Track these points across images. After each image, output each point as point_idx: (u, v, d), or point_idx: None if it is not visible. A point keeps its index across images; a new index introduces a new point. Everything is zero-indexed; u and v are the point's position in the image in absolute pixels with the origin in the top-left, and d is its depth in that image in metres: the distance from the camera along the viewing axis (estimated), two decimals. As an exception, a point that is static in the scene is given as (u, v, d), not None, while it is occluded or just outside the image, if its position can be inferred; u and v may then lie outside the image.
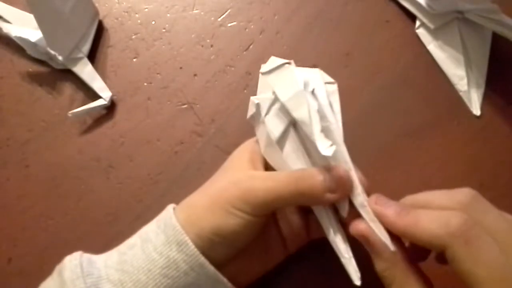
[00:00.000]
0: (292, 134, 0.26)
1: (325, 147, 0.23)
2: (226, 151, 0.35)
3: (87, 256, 0.25)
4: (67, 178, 0.35)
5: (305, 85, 0.25)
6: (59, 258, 0.33)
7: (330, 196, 0.24)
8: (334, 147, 0.23)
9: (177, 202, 0.34)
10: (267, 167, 0.27)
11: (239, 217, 0.24)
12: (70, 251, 0.33)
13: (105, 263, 0.25)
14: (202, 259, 0.23)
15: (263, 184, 0.24)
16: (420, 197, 0.23)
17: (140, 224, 0.33)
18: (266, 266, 0.29)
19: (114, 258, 0.25)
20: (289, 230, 0.28)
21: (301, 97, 0.24)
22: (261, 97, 0.26)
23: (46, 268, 0.33)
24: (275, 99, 0.26)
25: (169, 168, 0.35)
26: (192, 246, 0.23)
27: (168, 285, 0.23)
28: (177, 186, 0.35)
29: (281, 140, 0.26)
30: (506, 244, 0.19)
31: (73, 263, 0.24)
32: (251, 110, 0.27)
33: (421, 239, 0.21)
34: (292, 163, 0.25)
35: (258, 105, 0.26)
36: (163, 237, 0.24)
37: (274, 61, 0.27)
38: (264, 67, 0.27)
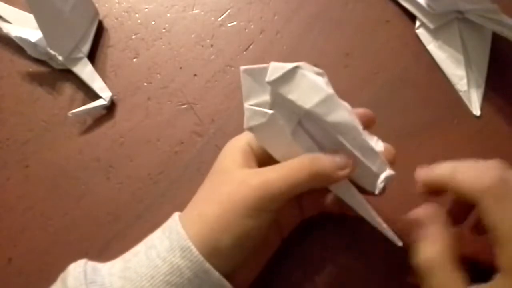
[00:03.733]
0: (301, 132, 0.25)
1: (375, 144, 0.25)
2: (226, 151, 0.35)
3: (91, 264, 0.25)
4: (67, 178, 0.35)
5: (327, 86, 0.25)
6: (59, 258, 0.33)
7: (341, 173, 0.24)
8: (380, 141, 0.26)
9: (177, 202, 0.34)
10: (261, 165, 0.27)
11: (257, 218, 0.24)
12: (70, 251, 0.33)
13: (109, 270, 0.24)
14: (207, 265, 0.23)
15: (276, 175, 0.24)
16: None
17: (140, 224, 0.34)
18: (265, 257, 0.28)
19: (118, 266, 0.24)
20: (283, 212, 0.28)
21: (332, 101, 0.24)
22: (258, 102, 0.25)
23: (46, 268, 0.33)
24: (275, 102, 0.25)
25: (169, 168, 0.35)
26: (196, 252, 0.23)
27: None
28: (177, 186, 0.35)
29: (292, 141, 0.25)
30: None
31: (77, 270, 0.24)
32: (254, 119, 0.25)
33: (456, 191, 0.23)
34: None
35: (273, 115, 0.24)
36: (167, 243, 0.24)
37: (277, 68, 0.24)
38: (270, 76, 0.24)
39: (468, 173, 0.23)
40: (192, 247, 0.23)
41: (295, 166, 0.24)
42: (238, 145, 0.27)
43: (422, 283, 0.23)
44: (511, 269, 0.21)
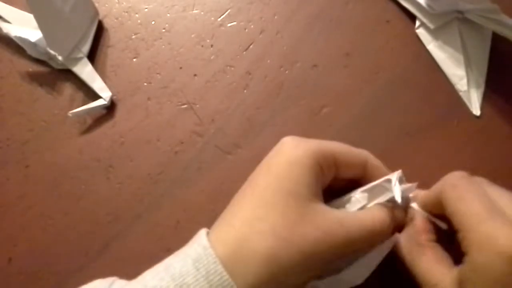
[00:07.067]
0: None
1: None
2: (226, 151, 0.35)
3: None
4: (67, 178, 0.35)
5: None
6: (59, 258, 0.33)
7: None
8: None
9: (177, 202, 0.34)
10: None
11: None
12: (70, 251, 0.33)
13: None
14: None
15: (358, 231, 0.24)
16: None
17: (140, 224, 0.34)
18: None
19: None
20: None
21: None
22: None
23: (46, 268, 0.33)
24: None
25: (169, 168, 0.35)
26: None
27: None
28: (177, 186, 0.35)
29: None
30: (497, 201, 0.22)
31: None
32: None
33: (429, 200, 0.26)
34: None
35: None
36: (206, 286, 0.21)
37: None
38: None
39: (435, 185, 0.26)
40: None
41: (361, 231, 0.24)
42: (305, 160, 0.24)
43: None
44: (475, 250, 0.21)
